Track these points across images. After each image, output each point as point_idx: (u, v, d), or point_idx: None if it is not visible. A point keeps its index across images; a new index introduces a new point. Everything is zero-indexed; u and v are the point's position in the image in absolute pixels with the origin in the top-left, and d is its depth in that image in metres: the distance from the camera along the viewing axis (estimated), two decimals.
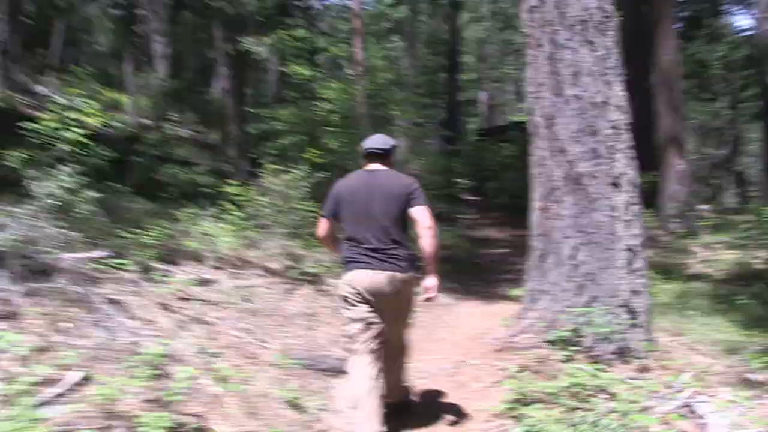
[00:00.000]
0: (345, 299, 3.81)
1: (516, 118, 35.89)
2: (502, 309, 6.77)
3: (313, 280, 6.40)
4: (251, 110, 14.21)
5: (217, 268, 5.90)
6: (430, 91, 30.11)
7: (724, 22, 34.89)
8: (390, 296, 3.70)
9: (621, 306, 4.83)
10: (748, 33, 32.58)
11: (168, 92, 17.50)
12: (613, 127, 5.10)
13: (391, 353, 3.91)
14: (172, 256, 5.67)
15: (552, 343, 4.78)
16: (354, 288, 3.71)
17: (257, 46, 10.17)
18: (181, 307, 4.57)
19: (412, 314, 3.99)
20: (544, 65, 5.29)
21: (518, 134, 20.59)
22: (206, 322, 4.48)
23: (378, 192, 3.79)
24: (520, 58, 44.88)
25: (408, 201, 3.75)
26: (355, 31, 29.54)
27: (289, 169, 7.09)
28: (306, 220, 7.00)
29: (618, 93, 5.21)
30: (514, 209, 18.33)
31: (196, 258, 5.88)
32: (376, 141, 4.04)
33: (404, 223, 3.80)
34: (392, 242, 3.72)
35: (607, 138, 5.05)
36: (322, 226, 3.99)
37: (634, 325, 4.81)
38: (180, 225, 6.68)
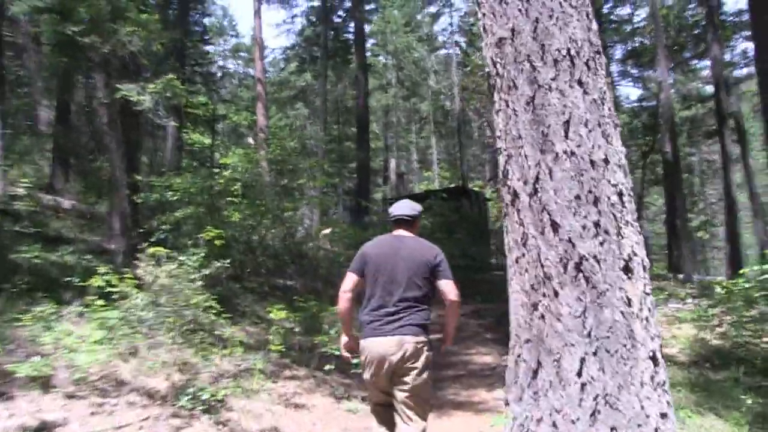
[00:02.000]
0: (362, 364, 3.99)
1: (427, 187, 35.36)
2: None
3: (214, 406, 4.67)
4: (141, 179, 12.40)
5: (72, 397, 4.13)
6: (338, 159, 29.04)
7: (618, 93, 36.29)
8: (401, 360, 3.84)
9: None
10: (645, 103, 33.81)
11: (34, 152, 15.27)
12: (619, 193, 3.84)
13: (409, 418, 3.98)
14: (2, 384, 3.88)
15: None
16: (368, 353, 3.91)
17: (140, 94, 8.38)
18: None
19: (428, 379, 4.01)
20: (522, 112, 4.02)
21: (436, 203, 19.69)
22: None
23: (403, 259, 4.01)
24: (426, 126, 44.93)
25: (434, 272, 4.02)
26: (258, 97, 28.30)
27: (178, 256, 5.41)
28: (201, 321, 5.33)
29: (618, 148, 4.00)
30: None
31: (42, 384, 4.11)
32: (404, 208, 4.28)
33: (425, 291, 4.01)
34: (409, 308, 3.92)
35: (612, 207, 3.78)
36: (348, 282, 4.08)
37: None
38: (25, 330, 4.86)
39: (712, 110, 29.58)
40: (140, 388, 4.55)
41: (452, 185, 32.26)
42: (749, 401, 5.57)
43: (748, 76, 37.34)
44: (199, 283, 5.29)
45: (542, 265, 3.79)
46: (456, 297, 4.00)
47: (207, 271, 5.50)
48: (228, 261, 6.09)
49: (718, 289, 8.91)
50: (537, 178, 3.88)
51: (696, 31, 30.09)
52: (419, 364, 3.87)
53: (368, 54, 29.59)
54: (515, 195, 4.03)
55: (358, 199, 22.63)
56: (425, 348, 3.91)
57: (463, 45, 35.68)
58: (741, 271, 8.83)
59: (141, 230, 12.08)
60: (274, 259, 12.06)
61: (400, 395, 3.87)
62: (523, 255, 3.94)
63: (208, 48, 39.70)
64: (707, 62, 29.83)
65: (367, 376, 3.96)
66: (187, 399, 4.47)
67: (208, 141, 23.86)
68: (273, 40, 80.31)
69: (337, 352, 6.14)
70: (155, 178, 12.96)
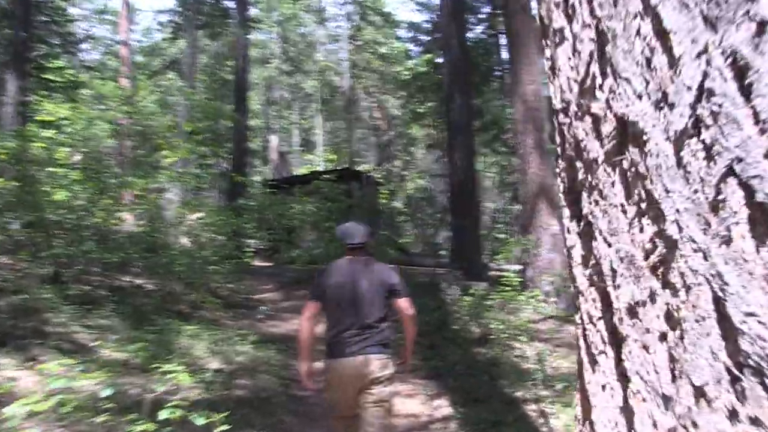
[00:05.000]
0: (328, 383, 4.17)
1: (314, 168, 32.64)
2: None
3: None
4: None
5: None
6: (213, 136, 26.02)
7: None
8: (369, 378, 4.01)
9: None
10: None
11: None
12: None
13: (376, 418, 4.17)
14: None
15: None
16: (335, 372, 4.07)
17: None
18: None
19: (392, 394, 4.19)
20: None
21: (326, 185, 17.11)
22: None
23: (363, 282, 4.19)
24: (312, 105, 42.14)
25: (392, 291, 4.24)
26: (122, 61, 24.56)
27: None
28: None
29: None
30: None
31: None
32: (356, 235, 4.39)
33: (385, 311, 4.21)
34: (373, 328, 4.09)
35: None
36: (309, 309, 4.23)
37: None
38: None
39: None
40: None
41: (339, 167, 29.81)
42: None
43: None
44: None
45: (669, 284, 1.32)
46: (414, 312, 4.26)
47: None
48: None
49: None
50: (702, 91, 1.40)
51: None
52: (384, 378, 4.05)
53: (251, 14, 26.54)
54: (625, 138, 1.53)
55: (233, 174, 19.45)
56: (389, 364, 4.12)
57: (356, 18, 33.18)
58: None
59: None
60: (115, 252, 9.11)
61: (367, 405, 4.01)
62: (652, 298, 1.46)
63: (68, 6, 35.24)
64: None
65: (333, 395, 4.15)
66: None
67: (66, 112, 20.26)
68: (144, 0, 73.90)
69: None
70: None
